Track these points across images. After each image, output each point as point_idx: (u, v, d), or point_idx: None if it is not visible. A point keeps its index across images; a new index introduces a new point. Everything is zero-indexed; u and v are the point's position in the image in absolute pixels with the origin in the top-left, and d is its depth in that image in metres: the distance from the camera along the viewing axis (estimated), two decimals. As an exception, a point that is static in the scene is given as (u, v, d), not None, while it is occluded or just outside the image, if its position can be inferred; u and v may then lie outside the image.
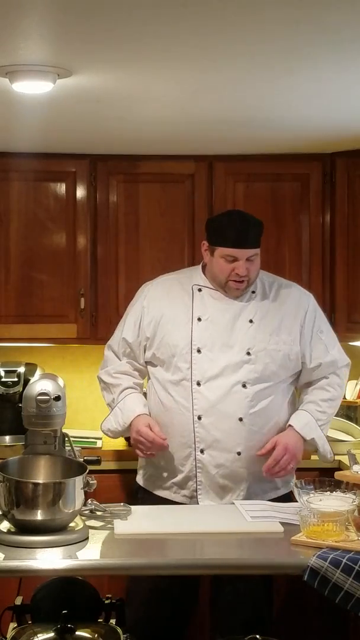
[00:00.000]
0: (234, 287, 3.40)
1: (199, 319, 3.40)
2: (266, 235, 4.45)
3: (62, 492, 2.79)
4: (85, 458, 3.12)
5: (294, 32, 2.57)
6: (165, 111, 3.53)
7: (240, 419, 3.33)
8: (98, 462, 3.14)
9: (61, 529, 2.81)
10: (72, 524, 2.86)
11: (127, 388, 3.50)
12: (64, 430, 3.07)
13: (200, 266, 3.56)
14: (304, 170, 4.46)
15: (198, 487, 3.36)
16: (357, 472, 3.01)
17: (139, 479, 3.55)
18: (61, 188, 4.40)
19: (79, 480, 2.83)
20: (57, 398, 2.92)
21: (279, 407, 3.42)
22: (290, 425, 3.40)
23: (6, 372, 4.30)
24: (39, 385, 2.96)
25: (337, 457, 4.19)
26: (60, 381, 3.11)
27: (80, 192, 4.40)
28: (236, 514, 3.09)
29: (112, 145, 4.25)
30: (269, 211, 4.46)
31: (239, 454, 3.35)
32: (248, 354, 3.36)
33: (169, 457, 3.40)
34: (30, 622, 2.89)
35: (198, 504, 3.36)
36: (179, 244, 4.42)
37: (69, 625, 2.69)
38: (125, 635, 2.81)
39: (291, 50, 2.75)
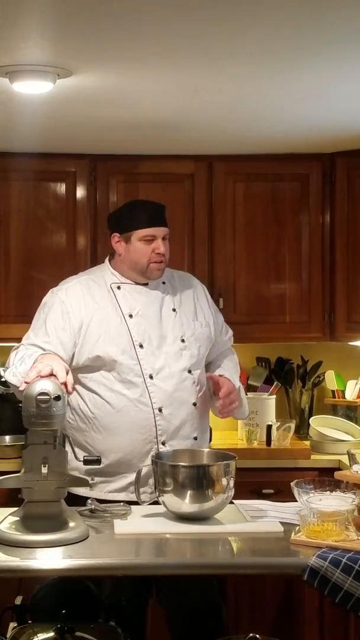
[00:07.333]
0: (155, 267, 3.43)
1: (130, 316, 3.41)
2: (266, 235, 4.48)
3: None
4: (85, 458, 3.12)
5: (294, 32, 2.57)
6: (165, 111, 3.53)
7: (195, 404, 3.42)
8: (98, 461, 3.14)
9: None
10: (72, 524, 2.86)
11: (45, 353, 3.24)
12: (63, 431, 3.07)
13: (106, 263, 3.56)
14: (304, 170, 4.46)
15: None
16: (357, 472, 3.01)
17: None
18: (61, 188, 4.40)
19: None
20: (57, 398, 2.92)
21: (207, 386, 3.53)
22: (220, 375, 3.48)
23: (6, 372, 4.30)
24: (39, 385, 2.95)
25: (337, 457, 4.20)
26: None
27: (80, 192, 4.40)
28: (236, 514, 3.09)
29: (112, 145, 4.25)
30: (269, 211, 4.46)
31: (195, 439, 3.42)
32: (182, 341, 3.44)
33: (126, 459, 3.34)
34: (30, 622, 2.89)
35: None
36: (179, 244, 4.40)
37: (69, 625, 2.69)
38: (125, 635, 2.81)
39: (291, 50, 2.75)
